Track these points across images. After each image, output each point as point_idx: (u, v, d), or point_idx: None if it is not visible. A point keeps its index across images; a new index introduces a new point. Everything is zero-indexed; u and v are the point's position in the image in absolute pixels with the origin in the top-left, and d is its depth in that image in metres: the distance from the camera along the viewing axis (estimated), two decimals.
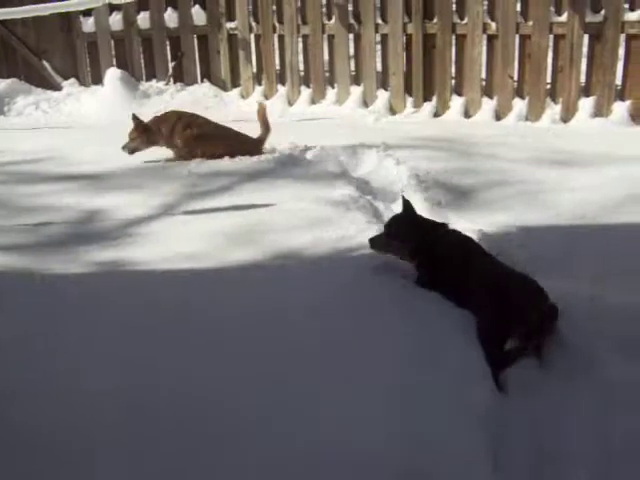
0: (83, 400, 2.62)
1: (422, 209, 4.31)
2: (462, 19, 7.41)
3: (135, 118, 5.84)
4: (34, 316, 3.23)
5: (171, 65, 8.88)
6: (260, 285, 3.54)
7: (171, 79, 8.84)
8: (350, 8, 7.95)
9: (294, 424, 2.51)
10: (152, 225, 4.43)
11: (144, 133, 5.82)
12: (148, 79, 8.89)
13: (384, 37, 7.85)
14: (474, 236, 3.94)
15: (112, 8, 8.66)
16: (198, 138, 5.77)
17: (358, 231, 4.05)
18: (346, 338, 3.06)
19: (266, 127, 5.88)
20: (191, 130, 5.79)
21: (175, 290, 3.51)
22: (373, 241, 3.73)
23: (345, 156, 5.65)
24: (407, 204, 3.72)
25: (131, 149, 5.80)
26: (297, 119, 7.59)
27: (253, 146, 5.84)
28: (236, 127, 5.98)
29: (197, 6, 8.72)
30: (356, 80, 8.16)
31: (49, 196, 5.11)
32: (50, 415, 2.53)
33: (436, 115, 7.65)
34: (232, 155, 5.70)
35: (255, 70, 8.68)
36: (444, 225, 3.79)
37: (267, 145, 5.92)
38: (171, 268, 3.77)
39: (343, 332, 3.10)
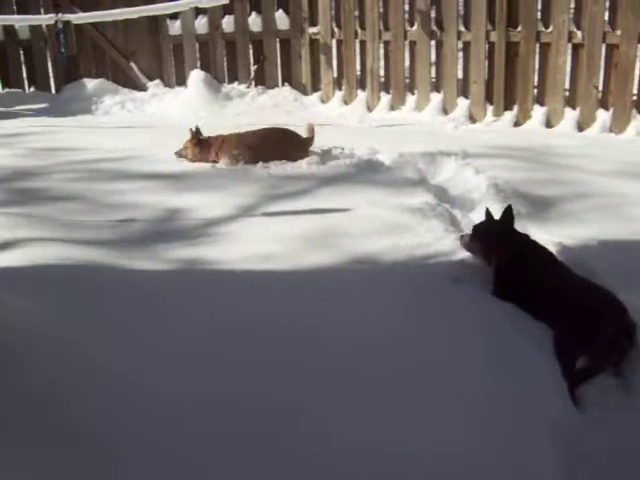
0: (142, 400, 2.64)
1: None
2: (547, 27, 7.30)
3: (193, 131, 6.01)
4: (108, 310, 3.29)
5: (253, 68, 9.02)
6: (335, 289, 3.56)
7: (253, 82, 8.98)
8: (433, 15, 7.93)
9: (360, 429, 2.52)
10: (231, 225, 4.51)
11: (196, 146, 6.00)
12: (230, 82, 9.05)
13: (466, 44, 7.79)
14: (553, 248, 3.89)
15: (198, 12, 8.85)
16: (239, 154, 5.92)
17: (435, 239, 4.05)
18: (418, 345, 3.06)
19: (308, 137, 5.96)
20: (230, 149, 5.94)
21: (251, 291, 3.56)
22: (462, 237, 3.88)
23: (423, 163, 5.63)
24: (508, 211, 3.76)
25: (180, 156, 6.04)
26: (376, 125, 7.60)
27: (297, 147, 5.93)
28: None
29: (280, 10, 8.85)
30: (436, 87, 8.13)
31: (131, 194, 5.25)
32: (109, 415, 2.56)
33: (516, 124, 7.54)
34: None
35: (336, 75, 8.74)
36: (526, 236, 3.78)
37: (346, 150, 5.95)
38: (248, 269, 3.83)
39: (415, 339, 3.10)
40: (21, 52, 9.29)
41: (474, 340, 3.13)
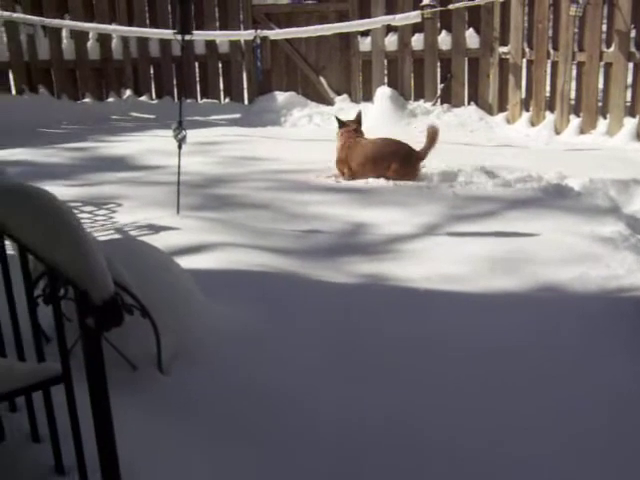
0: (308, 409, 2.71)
1: None
2: None
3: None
4: (292, 319, 3.41)
5: (440, 86, 9.03)
6: (520, 317, 3.49)
7: (438, 100, 8.98)
8: (632, 35, 7.59)
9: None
10: (414, 243, 4.54)
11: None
12: (416, 99, 9.10)
13: None
14: None
15: (389, 29, 8.97)
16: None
17: (628, 272, 3.88)
18: (595, 384, 2.92)
19: (428, 144, 5.98)
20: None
21: (432, 311, 3.57)
22: None
23: (615, 191, 5.40)
24: None
25: None
26: (564, 148, 7.36)
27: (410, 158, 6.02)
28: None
29: (471, 29, 8.81)
30: (630, 111, 7.76)
31: (317, 205, 5.41)
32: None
33: None
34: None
35: (524, 96, 8.57)
36: None
37: (533, 173, 5.81)
38: (431, 288, 3.84)
39: (596, 378, 2.97)
40: (220, 65, 9.82)
41: None
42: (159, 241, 4.17)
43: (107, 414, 1.89)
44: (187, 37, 5.04)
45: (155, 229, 4.66)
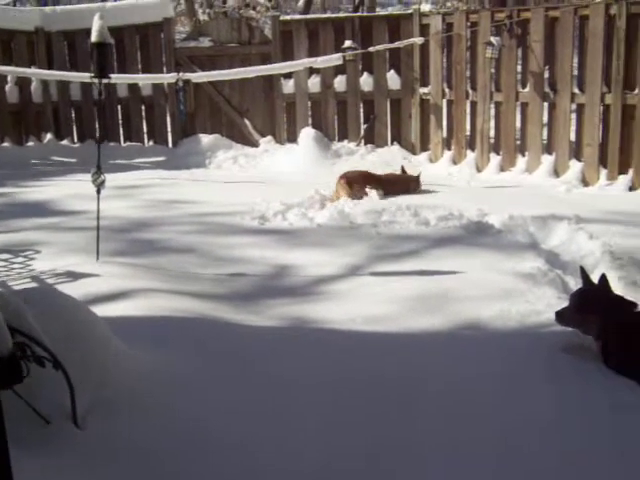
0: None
1: (615, 288, 4.09)
2: None
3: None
4: (210, 363, 3.33)
5: (363, 127, 9.15)
6: (442, 356, 3.48)
7: (362, 140, 9.09)
8: (546, 76, 7.85)
9: None
10: (339, 284, 4.53)
11: None
12: (340, 140, 9.21)
13: (580, 106, 7.65)
14: None
15: (311, 71, 9.07)
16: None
17: (547, 306, 3.92)
18: (518, 422, 2.93)
19: None
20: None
21: (355, 353, 3.53)
22: (560, 315, 3.57)
23: (534, 227, 5.52)
24: (603, 279, 3.57)
25: None
26: (485, 186, 7.52)
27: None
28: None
29: (392, 71, 8.99)
30: (548, 149, 7.99)
31: (241, 248, 5.37)
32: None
33: (632, 189, 7.27)
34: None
35: (445, 135, 8.74)
36: (635, 304, 3.59)
37: (455, 211, 5.90)
38: (354, 329, 3.82)
39: (516, 414, 2.97)
40: (143, 108, 9.74)
41: (574, 422, 2.92)
42: (78, 289, 4.07)
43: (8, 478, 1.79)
44: (105, 81, 4.97)
45: (74, 276, 4.53)
